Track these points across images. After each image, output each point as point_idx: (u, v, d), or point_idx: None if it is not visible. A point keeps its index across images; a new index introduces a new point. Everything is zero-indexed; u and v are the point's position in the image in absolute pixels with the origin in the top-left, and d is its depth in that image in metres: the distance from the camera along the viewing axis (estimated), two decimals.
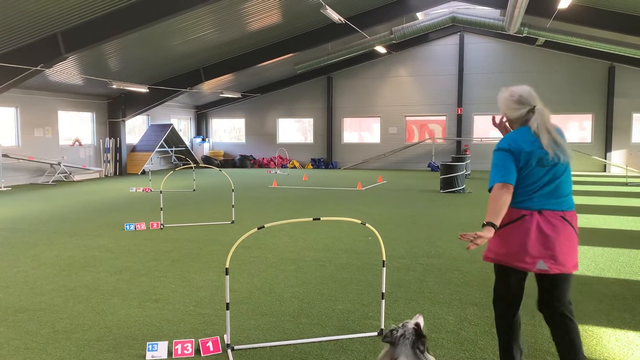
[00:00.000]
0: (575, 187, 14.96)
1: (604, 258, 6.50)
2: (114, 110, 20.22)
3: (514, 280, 3.12)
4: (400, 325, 2.62)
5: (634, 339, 3.97)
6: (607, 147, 20.95)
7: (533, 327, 4.19)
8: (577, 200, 12.11)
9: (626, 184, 15.90)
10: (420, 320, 2.66)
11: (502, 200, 2.91)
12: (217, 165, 24.34)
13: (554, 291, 3.05)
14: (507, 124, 3.24)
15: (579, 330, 3.03)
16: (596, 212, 10.24)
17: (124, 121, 20.25)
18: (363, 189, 14.82)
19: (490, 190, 2.98)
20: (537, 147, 2.97)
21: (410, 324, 2.60)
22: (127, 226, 8.62)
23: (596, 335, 4.03)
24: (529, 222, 2.97)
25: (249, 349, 3.82)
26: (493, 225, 2.86)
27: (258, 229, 3.66)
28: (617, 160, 20.94)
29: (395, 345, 2.50)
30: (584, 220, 9.29)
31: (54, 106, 17.91)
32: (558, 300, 3.05)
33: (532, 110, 3.03)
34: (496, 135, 22.30)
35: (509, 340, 3.17)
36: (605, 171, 20.96)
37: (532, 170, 2.98)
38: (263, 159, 25.14)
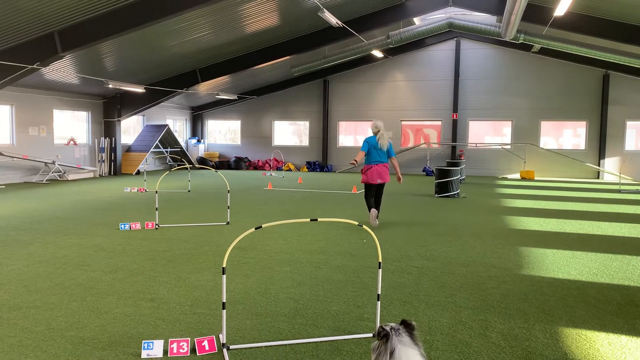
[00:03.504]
0: (568, 194, 15.07)
1: (597, 264, 6.55)
2: (109, 109, 20.18)
3: (371, 188, 8.86)
4: (385, 324, 2.76)
5: (627, 343, 4.00)
6: (601, 155, 21.10)
7: (527, 331, 4.22)
8: (571, 206, 12.20)
9: (619, 191, 16.01)
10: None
11: (361, 156, 8.70)
12: (213, 167, 24.31)
13: (381, 190, 8.98)
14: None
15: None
16: (589, 219, 10.32)
17: (119, 121, 20.20)
18: (358, 192, 14.85)
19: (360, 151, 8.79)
20: (374, 143, 8.74)
21: (393, 323, 2.75)
22: (122, 226, 8.60)
23: (589, 339, 4.07)
24: (374, 168, 8.74)
25: (245, 348, 3.83)
26: (356, 160, 8.57)
27: (256, 229, 3.67)
28: (611, 167, 21.09)
29: (389, 338, 2.59)
30: (577, 227, 9.35)
31: (50, 105, 17.86)
32: (380, 191, 8.98)
33: (380, 132, 8.77)
34: (491, 141, 22.46)
35: (370, 204, 8.85)
36: (598, 178, 21.09)
37: (373, 150, 8.74)
38: (258, 161, 25.13)
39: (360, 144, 25.53)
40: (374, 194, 8.87)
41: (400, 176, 8.99)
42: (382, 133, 8.78)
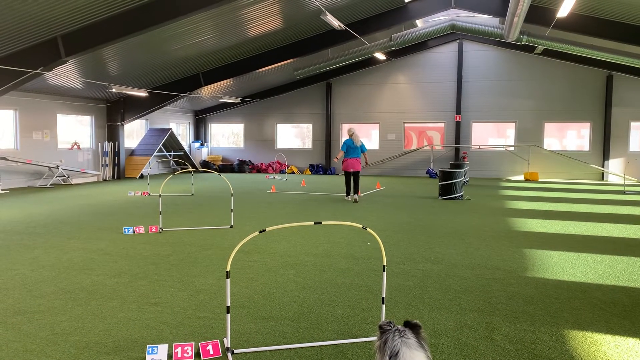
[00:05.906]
0: (573, 195, 15.03)
1: (602, 265, 6.52)
2: (112, 114, 20.22)
3: (347, 174, 13.27)
4: (385, 323, 2.73)
5: (634, 346, 3.97)
6: (605, 156, 21.02)
7: (533, 333, 4.19)
8: (575, 208, 12.15)
9: (624, 193, 15.95)
10: None
11: (341, 155, 13.26)
12: (216, 170, 24.32)
13: (356, 177, 13.21)
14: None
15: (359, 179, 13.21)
16: (594, 220, 10.27)
17: (122, 125, 20.24)
18: (361, 194, 14.82)
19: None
20: (350, 143, 13.05)
21: (399, 325, 2.72)
22: (126, 230, 8.60)
23: (596, 342, 4.04)
24: (349, 161, 13.08)
25: (249, 352, 3.82)
26: (337, 157, 13.51)
27: (260, 232, 3.67)
28: (615, 168, 21.01)
29: (392, 340, 2.56)
30: (582, 228, 9.31)
31: (53, 109, 17.91)
32: (356, 181, 13.21)
33: (354, 134, 13.15)
34: (494, 143, 22.41)
35: (348, 188, 13.35)
36: (603, 179, 21.02)
37: (349, 149, 13.04)
38: (261, 164, 25.14)
39: (365, 146, 26.52)
40: (350, 179, 13.25)
41: (367, 163, 13.79)
42: (355, 135, 13.14)
